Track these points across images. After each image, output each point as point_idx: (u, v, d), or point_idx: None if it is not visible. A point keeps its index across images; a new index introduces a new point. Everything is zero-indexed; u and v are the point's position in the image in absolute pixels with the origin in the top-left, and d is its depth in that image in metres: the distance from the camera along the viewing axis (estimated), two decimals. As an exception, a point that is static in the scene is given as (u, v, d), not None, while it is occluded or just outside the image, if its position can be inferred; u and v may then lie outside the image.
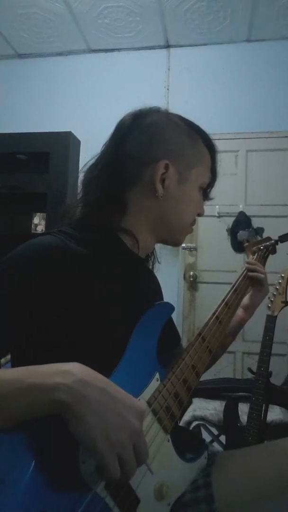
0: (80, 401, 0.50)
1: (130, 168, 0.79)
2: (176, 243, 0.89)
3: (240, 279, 1.04)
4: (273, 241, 1.20)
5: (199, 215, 0.88)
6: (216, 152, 0.87)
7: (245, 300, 1.07)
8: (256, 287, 1.07)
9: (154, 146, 0.79)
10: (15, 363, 0.71)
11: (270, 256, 1.21)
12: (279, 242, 1.21)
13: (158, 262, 0.94)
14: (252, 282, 1.06)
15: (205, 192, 0.89)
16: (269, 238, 1.21)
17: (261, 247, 1.18)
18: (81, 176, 0.84)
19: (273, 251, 1.20)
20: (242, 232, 1.24)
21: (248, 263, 1.09)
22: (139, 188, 0.79)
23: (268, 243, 1.19)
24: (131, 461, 0.52)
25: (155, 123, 0.81)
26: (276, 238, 1.21)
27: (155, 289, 0.93)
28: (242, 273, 1.06)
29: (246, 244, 1.21)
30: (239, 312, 1.06)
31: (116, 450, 0.50)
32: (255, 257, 1.16)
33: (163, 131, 0.81)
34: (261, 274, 1.05)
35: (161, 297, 0.93)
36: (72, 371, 0.52)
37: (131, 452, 0.52)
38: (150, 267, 0.92)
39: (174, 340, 0.95)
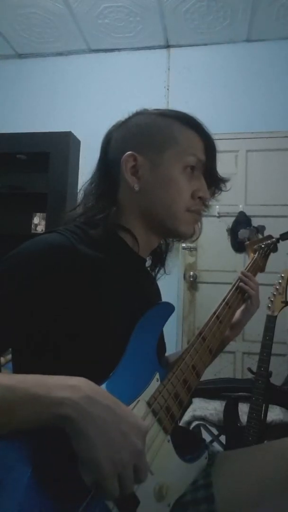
0: (85, 417, 0.50)
1: (112, 172, 0.81)
2: (180, 234, 0.83)
3: (232, 291, 0.99)
4: (274, 239, 1.20)
5: (202, 198, 0.81)
6: (199, 126, 0.81)
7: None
8: (246, 302, 1.01)
9: (123, 145, 0.80)
10: (16, 363, 0.71)
11: (270, 256, 1.20)
12: (280, 240, 1.21)
13: (165, 272, 0.93)
14: (243, 295, 1.01)
15: (210, 173, 0.84)
16: (270, 236, 1.21)
17: (262, 245, 1.18)
18: (80, 194, 0.85)
19: (275, 249, 1.20)
20: (243, 230, 1.23)
21: (242, 273, 1.03)
22: (122, 188, 0.81)
23: (269, 241, 1.19)
24: (130, 480, 0.52)
25: (127, 126, 0.83)
26: (277, 236, 1.21)
27: (155, 289, 0.93)
28: (235, 285, 1.01)
29: (247, 242, 1.21)
30: None
31: (117, 469, 0.50)
32: (256, 255, 1.15)
33: (131, 129, 0.82)
34: (251, 290, 1.00)
35: (160, 298, 0.93)
36: (79, 387, 0.52)
37: (131, 471, 0.52)
38: (156, 272, 0.92)
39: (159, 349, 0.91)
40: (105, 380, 0.62)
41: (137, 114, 0.84)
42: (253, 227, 1.23)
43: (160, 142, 0.79)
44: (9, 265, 0.65)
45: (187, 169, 0.79)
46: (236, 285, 1.01)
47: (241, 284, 1.00)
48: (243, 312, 1.01)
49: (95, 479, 0.50)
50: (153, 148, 0.79)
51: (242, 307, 1.01)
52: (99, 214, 0.77)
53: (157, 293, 0.93)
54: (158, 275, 0.95)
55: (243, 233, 1.22)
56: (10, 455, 0.50)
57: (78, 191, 0.86)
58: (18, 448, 0.51)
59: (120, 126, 0.84)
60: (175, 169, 0.78)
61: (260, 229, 1.24)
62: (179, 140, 0.79)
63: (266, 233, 1.25)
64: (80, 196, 0.84)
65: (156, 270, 0.94)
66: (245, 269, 1.07)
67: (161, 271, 0.95)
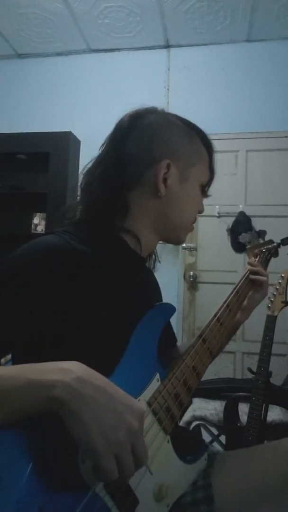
0: (77, 398, 0.49)
1: (131, 169, 0.79)
2: (178, 242, 0.89)
3: (242, 281, 1.02)
4: (275, 244, 1.19)
5: (199, 212, 0.89)
6: (213, 150, 0.87)
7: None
8: (256, 289, 1.05)
9: (154, 146, 0.79)
10: (16, 363, 0.70)
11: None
12: (281, 245, 1.20)
13: (159, 261, 0.94)
14: (253, 284, 1.05)
15: (203, 190, 0.89)
16: (271, 241, 1.20)
17: (263, 250, 1.17)
18: (80, 178, 0.83)
19: (275, 254, 1.19)
20: (244, 234, 1.23)
21: (250, 264, 1.07)
22: (140, 189, 0.79)
23: (270, 246, 1.18)
24: (129, 462, 0.52)
25: (154, 124, 0.81)
26: (278, 241, 1.21)
27: (156, 289, 0.93)
28: (244, 275, 1.04)
29: (248, 246, 1.20)
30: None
31: (114, 450, 0.50)
32: (257, 259, 1.15)
33: (163, 131, 0.80)
34: (263, 277, 1.04)
35: (160, 298, 0.93)
36: (70, 369, 0.52)
37: (129, 452, 0.52)
38: (152, 266, 0.92)
39: (169, 340, 0.94)
40: (105, 379, 0.62)
41: (156, 113, 0.83)
42: (254, 231, 1.23)
43: (190, 157, 0.82)
44: (8, 267, 0.65)
45: (200, 186, 0.85)
46: (246, 275, 1.03)
47: (251, 276, 1.03)
48: (251, 297, 1.04)
49: (93, 462, 0.50)
50: (184, 161, 0.81)
51: (250, 293, 1.04)
52: (104, 219, 0.76)
53: (157, 293, 0.93)
54: (155, 269, 0.95)
55: (244, 237, 1.22)
56: (8, 450, 0.50)
57: (79, 184, 0.83)
58: (16, 442, 0.50)
59: (139, 120, 0.81)
60: (196, 185, 0.84)
61: (261, 233, 1.24)
62: (201, 157, 0.84)
63: (267, 235, 1.25)
64: (80, 188, 0.82)
65: (152, 264, 0.93)
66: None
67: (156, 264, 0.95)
